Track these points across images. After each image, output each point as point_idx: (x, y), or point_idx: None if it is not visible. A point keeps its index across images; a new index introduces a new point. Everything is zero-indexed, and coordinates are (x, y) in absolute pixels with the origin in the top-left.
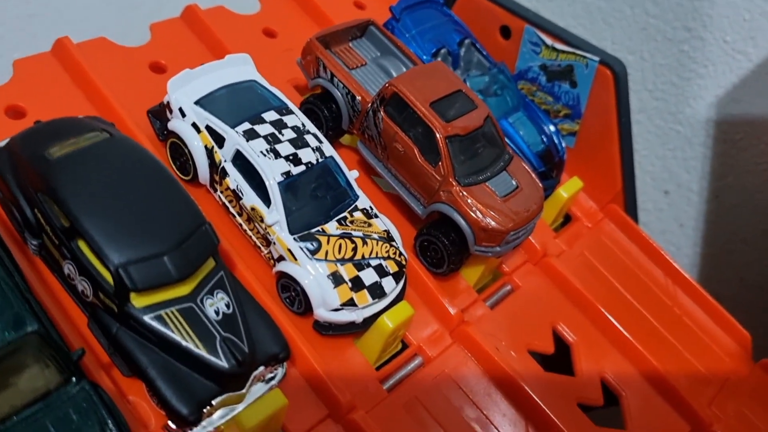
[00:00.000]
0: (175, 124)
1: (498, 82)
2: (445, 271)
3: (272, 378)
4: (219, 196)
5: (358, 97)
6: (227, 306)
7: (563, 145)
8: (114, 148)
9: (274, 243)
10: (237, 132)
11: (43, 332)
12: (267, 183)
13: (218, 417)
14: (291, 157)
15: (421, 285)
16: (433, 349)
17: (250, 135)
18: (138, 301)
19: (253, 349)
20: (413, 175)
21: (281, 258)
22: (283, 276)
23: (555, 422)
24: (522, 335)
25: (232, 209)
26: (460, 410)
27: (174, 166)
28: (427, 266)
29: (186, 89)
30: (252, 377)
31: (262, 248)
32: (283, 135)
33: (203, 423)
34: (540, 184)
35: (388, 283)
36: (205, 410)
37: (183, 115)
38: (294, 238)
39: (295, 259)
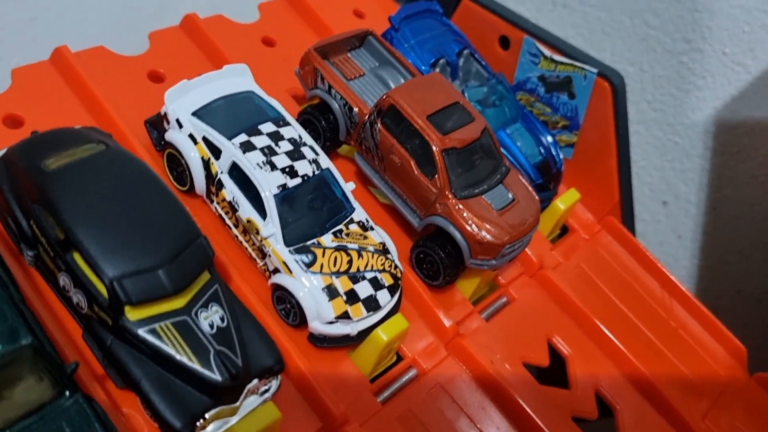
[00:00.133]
0: (172, 135)
1: (496, 93)
2: (440, 283)
3: (266, 391)
4: (215, 208)
5: (356, 109)
6: (222, 319)
7: (561, 156)
8: (110, 160)
9: (270, 255)
10: (233, 144)
11: (37, 345)
12: (263, 195)
13: (211, 430)
14: (287, 170)
15: (416, 297)
16: (427, 362)
17: (247, 147)
18: (132, 314)
19: (247, 362)
20: (410, 187)
21: (276, 270)
22: (278, 288)
23: None
24: (517, 348)
25: (228, 221)
26: (453, 423)
27: (171, 177)
28: (422, 278)
29: (183, 100)
30: (246, 390)
31: (258, 260)
32: (279, 147)
33: None
34: (537, 197)
35: (383, 296)
36: (198, 423)
37: (180, 126)
38: (289, 251)
39: (290, 272)
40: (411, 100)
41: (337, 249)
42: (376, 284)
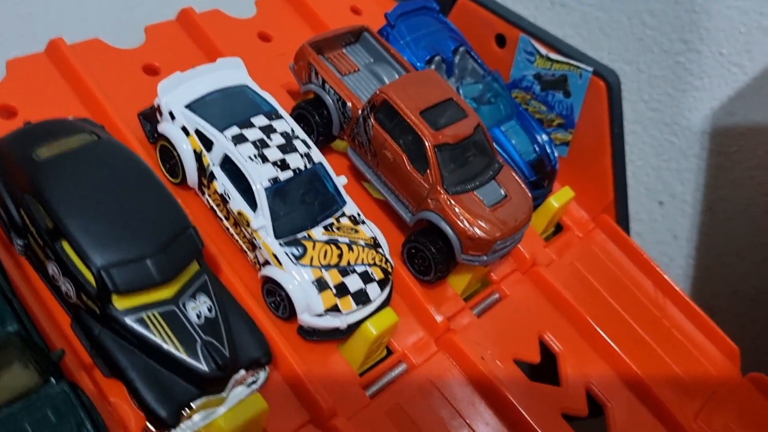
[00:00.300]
0: (165, 127)
1: (492, 91)
2: (432, 278)
3: (254, 382)
4: (207, 200)
5: (349, 104)
6: (209, 310)
7: (556, 154)
8: (101, 150)
9: (260, 247)
10: (225, 136)
11: (24, 333)
12: (254, 188)
13: (197, 420)
14: (279, 163)
15: (407, 292)
16: (418, 357)
17: (239, 139)
18: (120, 303)
19: (234, 353)
20: (402, 182)
21: (267, 262)
22: (268, 281)
23: None
24: (508, 344)
25: (219, 213)
26: (443, 418)
27: (163, 169)
28: (414, 274)
29: (176, 92)
30: (233, 381)
31: (249, 252)
32: (271, 140)
33: (182, 426)
34: (529, 194)
35: (373, 290)
36: (184, 413)
37: (173, 118)
38: (279, 243)
39: (280, 264)
40: (404, 96)
41: (328, 242)
42: (366, 278)
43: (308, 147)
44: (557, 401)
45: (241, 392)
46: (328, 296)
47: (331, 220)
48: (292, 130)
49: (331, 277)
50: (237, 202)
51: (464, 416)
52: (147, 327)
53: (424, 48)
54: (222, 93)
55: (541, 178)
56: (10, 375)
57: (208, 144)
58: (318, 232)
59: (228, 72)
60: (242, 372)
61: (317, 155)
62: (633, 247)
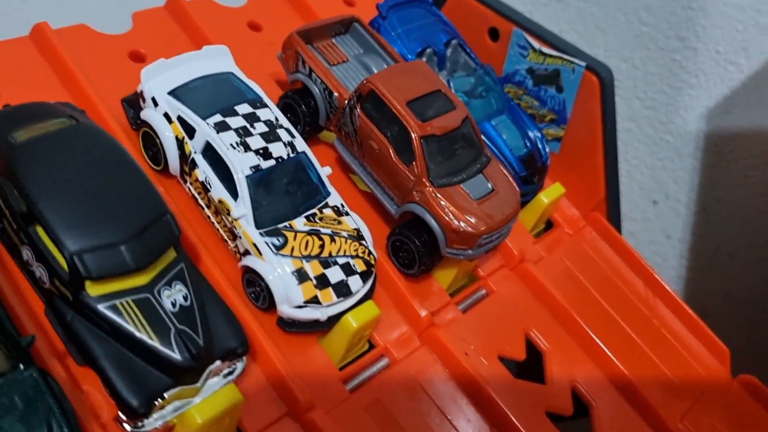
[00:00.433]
0: (148, 113)
1: (483, 84)
2: (416, 272)
3: (230, 373)
4: (189, 188)
5: (336, 94)
6: (185, 298)
7: (547, 150)
8: (80, 134)
9: (240, 237)
10: (208, 124)
11: None
12: (235, 176)
13: (170, 411)
14: (261, 151)
15: (391, 285)
16: (400, 351)
17: (221, 127)
18: (93, 289)
19: (210, 342)
20: (388, 174)
21: (247, 252)
22: (248, 271)
23: (520, 429)
24: (493, 341)
25: (200, 201)
26: (423, 414)
27: (146, 156)
28: (398, 267)
29: (160, 79)
30: (207, 371)
31: (229, 242)
32: (254, 128)
33: (154, 416)
34: (517, 188)
35: (354, 282)
36: (156, 403)
37: (155, 104)
38: (260, 233)
39: (260, 254)
40: (391, 86)
41: (310, 233)
42: (348, 270)
43: (292, 136)
44: (542, 399)
45: (217, 383)
46: (308, 287)
47: (314, 210)
48: (276, 119)
49: (312, 269)
50: (218, 191)
51: (446, 413)
52: (120, 314)
53: (415, 40)
54: (206, 80)
55: (531, 173)
56: None
57: (190, 131)
58: (300, 223)
59: (214, 60)
60: (218, 362)
61: (301, 144)
62: (624, 246)
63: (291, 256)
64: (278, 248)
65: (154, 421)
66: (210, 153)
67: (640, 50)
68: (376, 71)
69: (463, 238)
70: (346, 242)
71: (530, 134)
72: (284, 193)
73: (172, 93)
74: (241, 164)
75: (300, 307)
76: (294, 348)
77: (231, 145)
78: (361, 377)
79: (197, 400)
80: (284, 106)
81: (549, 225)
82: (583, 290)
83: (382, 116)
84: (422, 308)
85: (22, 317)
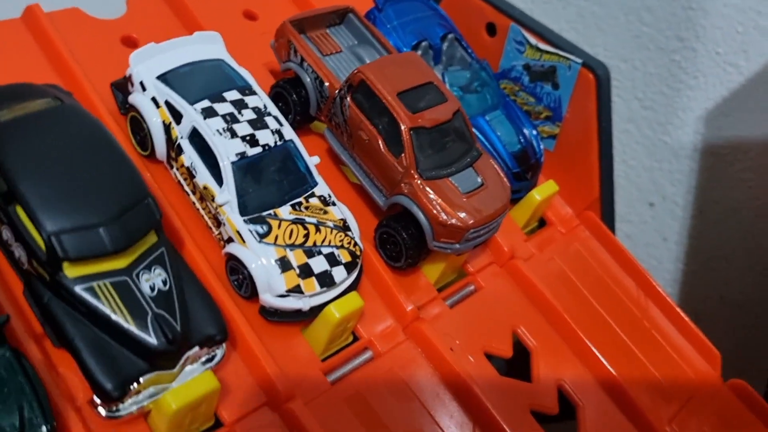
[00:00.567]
0: (136, 98)
1: (479, 79)
2: (402, 265)
3: (209, 360)
4: (175, 174)
5: (327, 83)
6: (164, 283)
7: (541, 147)
8: (63, 115)
9: (224, 224)
10: (195, 109)
11: None
12: (220, 162)
13: (146, 396)
14: (248, 138)
15: (378, 278)
16: (384, 344)
17: (208, 113)
18: (70, 270)
19: (187, 328)
20: (377, 165)
21: (230, 240)
22: (231, 258)
23: (503, 427)
24: (480, 337)
25: (186, 187)
26: (405, 409)
27: (134, 141)
28: (385, 260)
29: (149, 63)
30: (185, 357)
31: (214, 229)
32: (242, 115)
33: (129, 401)
34: (507, 183)
35: (338, 273)
36: (132, 387)
37: (144, 89)
38: (244, 220)
39: (244, 242)
40: (382, 77)
41: (294, 222)
42: (332, 260)
43: (280, 124)
44: (527, 398)
45: (195, 370)
46: (291, 276)
47: (300, 199)
48: (265, 107)
49: (296, 258)
50: (203, 176)
51: (428, 408)
52: (97, 296)
53: (411, 33)
54: (196, 66)
55: (524, 170)
56: None
57: (177, 116)
58: (285, 211)
59: (205, 46)
60: (196, 349)
61: (289, 133)
62: (617, 246)
63: (275, 244)
64: (262, 236)
65: (129, 406)
66: (196, 139)
67: (639, 50)
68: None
69: (451, 232)
70: (331, 232)
71: (525, 131)
72: (270, 180)
73: (160, 78)
74: (227, 150)
75: (282, 296)
76: (276, 338)
77: (217, 130)
78: (344, 369)
79: (174, 386)
80: (275, 95)
81: (542, 223)
82: (574, 289)
83: (373, 107)
84: (408, 302)
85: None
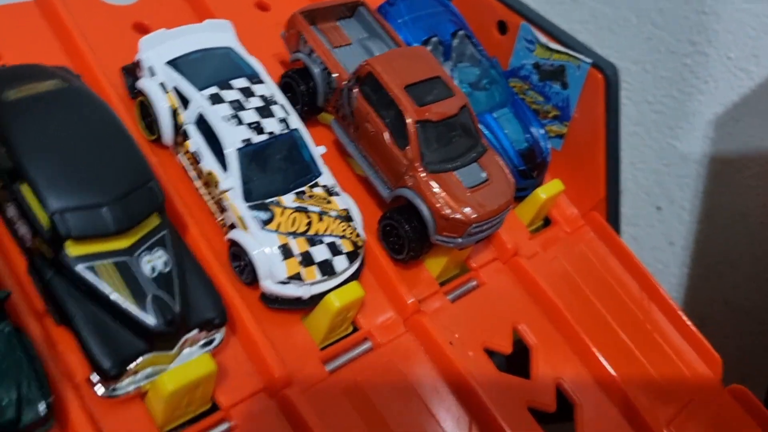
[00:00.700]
0: (144, 82)
1: (488, 77)
2: (404, 257)
3: (208, 344)
4: (180, 159)
5: (335, 74)
6: (165, 265)
7: (548, 146)
8: (71, 97)
9: (228, 210)
10: (202, 95)
11: None
12: (225, 148)
13: (143, 376)
14: (254, 125)
15: (380, 270)
16: (384, 336)
17: (215, 99)
18: (73, 249)
19: (186, 310)
20: (382, 157)
21: (233, 226)
22: (233, 244)
23: (500, 422)
24: (480, 332)
25: (191, 172)
26: (402, 401)
27: (142, 125)
28: (388, 252)
29: (159, 49)
30: (183, 339)
31: (217, 214)
32: (249, 103)
33: (127, 380)
34: (512, 180)
35: (340, 262)
36: (130, 367)
37: (152, 74)
38: (247, 206)
39: (246, 228)
40: (390, 69)
41: (297, 210)
42: (333, 249)
43: (287, 113)
44: (525, 394)
45: (193, 353)
46: (292, 264)
47: (304, 188)
48: (272, 95)
49: (298, 245)
50: (208, 162)
51: (425, 400)
52: (98, 276)
53: (421, 29)
54: (205, 53)
55: (530, 168)
56: None
57: (184, 102)
58: (288, 199)
59: (215, 33)
60: (194, 331)
61: (295, 122)
62: (621, 247)
63: (277, 231)
64: (265, 223)
65: (127, 385)
66: (203, 125)
67: (651, 53)
68: None
69: (453, 226)
70: (334, 222)
71: (532, 129)
72: (274, 168)
73: (170, 63)
74: (232, 137)
75: (283, 283)
76: (276, 325)
77: (223, 117)
78: (342, 359)
79: (171, 367)
80: (284, 85)
81: (547, 222)
82: (576, 289)
83: (380, 99)
84: (410, 295)
85: (2, 273)
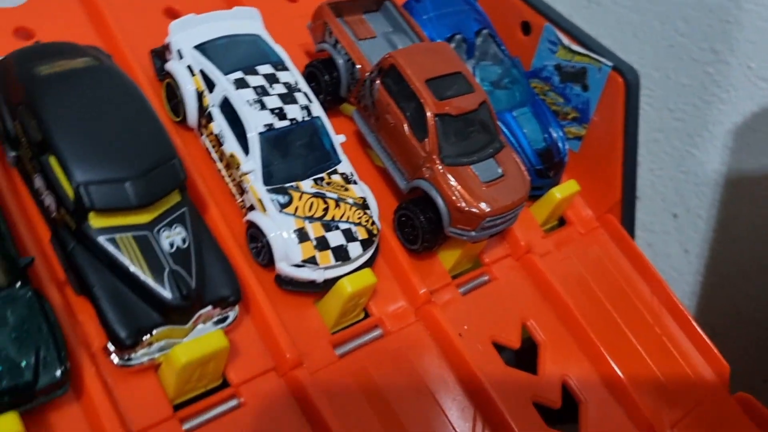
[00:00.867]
0: (172, 65)
1: (510, 76)
2: (418, 248)
3: (221, 321)
4: (204, 141)
5: (358, 66)
6: (183, 241)
7: (566, 147)
8: (101, 74)
9: (247, 192)
10: (228, 79)
11: None
12: (248, 132)
13: (156, 349)
14: (276, 111)
15: (394, 259)
16: (394, 324)
17: (240, 84)
18: (96, 221)
19: (202, 286)
20: (400, 148)
21: (252, 207)
22: (251, 226)
23: (504, 415)
24: (489, 326)
25: (213, 154)
26: (409, 388)
27: (168, 107)
28: (402, 242)
29: (188, 33)
30: (197, 315)
31: (237, 196)
32: (273, 89)
33: (141, 351)
34: (528, 177)
35: (354, 249)
36: (144, 339)
37: (181, 57)
38: (267, 189)
39: (265, 210)
40: (412, 63)
41: (315, 195)
42: (348, 236)
43: (309, 101)
44: (530, 389)
45: (206, 329)
46: (307, 247)
47: (323, 174)
48: (296, 83)
49: (314, 230)
50: (230, 145)
51: (431, 389)
52: (118, 248)
53: (446, 26)
54: (233, 39)
55: (547, 167)
56: None
57: (210, 85)
58: (307, 185)
59: (243, 21)
60: (209, 308)
61: (317, 110)
62: (635, 251)
63: (294, 215)
64: (283, 206)
65: (141, 356)
66: (227, 108)
67: (673, 60)
68: None
69: (467, 218)
70: (350, 209)
71: (551, 130)
72: (295, 154)
73: (198, 47)
74: (255, 121)
75: (298, 265)
76: (289, 307)
77: (248, 101)
78: (353, 344)
79: (184, 341)
80: (308, 75)
81: (562, 222)
82: (587, 289)
83: (401, 91)
84: (422, 285)
85: (27, 242)
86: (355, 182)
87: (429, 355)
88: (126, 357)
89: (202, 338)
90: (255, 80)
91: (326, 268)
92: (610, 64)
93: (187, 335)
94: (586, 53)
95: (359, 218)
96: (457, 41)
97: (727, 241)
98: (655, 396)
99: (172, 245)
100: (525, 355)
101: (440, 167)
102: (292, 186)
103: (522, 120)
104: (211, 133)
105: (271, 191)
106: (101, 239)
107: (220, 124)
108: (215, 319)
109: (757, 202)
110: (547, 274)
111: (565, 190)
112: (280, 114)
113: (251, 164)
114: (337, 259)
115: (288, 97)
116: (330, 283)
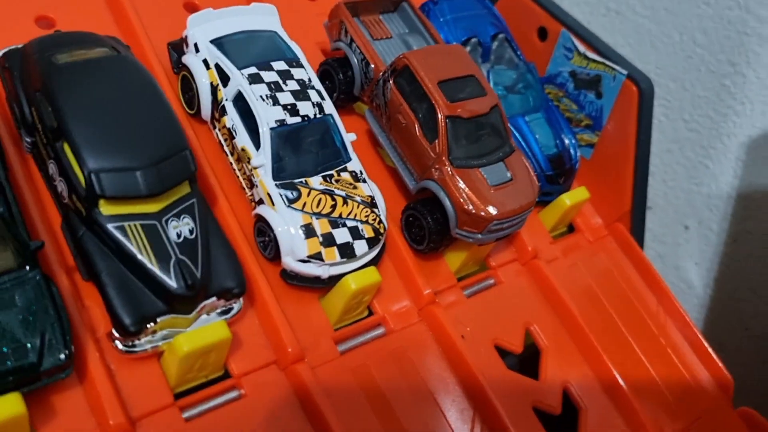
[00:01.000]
0: (188, 58)
1: (524, 81)
2: (425, 248)
3: (225, 312)
4: (217, 134)
5: (372, 65)
6: (191, 232)
7: (578, 154)
8: (118, 64)
9: (257, 186)
10: (242, 74)
11: (6, 216)
12: (260, 127)
13: (160, 337)
14: (289, 107)
15: (400, 259)
16: (397, 323)
17: (254, 79)
18: (106, 208)
19: (207, 277)
20: (411, 148)
21: (261, 201)
22: (259, 219)
23: (503, 418)
24: (492, 329)
25: (225, 147)
26: (409, 387)
27: (182, 99)
28: (409, 242)
29: (205, 27)
30: (202, 305)
31: (247, 190)
32: (286, 85)
33: (144, 338)
34: (536, 182)
35: (360, 246)
36: (148, 326)
37: (197, 50)
38: (276, 184)
39: (273, 204)
40: (426, 64)
41: (324, 192)
42: (355, 233)
43: (322, 98)
44: (531, 394)
45: (210, 320)
46: (313, 243)
47: (332, 172)
48: (309, 80)
49: (320, 226)
50: (242, 139)
51: (431, 389)
52: (126, 235)
53: (462, 29)
54: (249, 34)
55: (558, 173)
56: None
57: (225, 79)
58: (316, 181)
59: (260, 17)
60: (213, 299)
61: (329, 107)
62: (643, 260)
63: (302, 210)
64: (291, 201)
65: (144, 343)
66: (240, 102)
67: (690, 71)
68: None
69: (474, 221)
70: (358, 207)
71: (563, 136)
72: (305, 150)
73: (214, 42)
74: (268, 116)
75: (303, 261)
76: (293, 302)
77: (261, 96)
78: (355, 341)
79: (188, 331)
80: (323, 73)
81: (570, 229)
82: (593, 297)
83: (413, 92)
84: (427, 286)
85: (38, 226)
86: (364, 180)
87: (430, 356)
88: (130, 344)
89: (205, 328)
90: (269, 76)
91: (331, 265)
92: (624, 72)
93: (190, 325)
94: (601, 61)
95: (366, 216)
96: (473, 45)
97: (738, 255)
98: (656, 406)
99: (179, 235)
100: (529, 362)
101: (449, 169)
102: (301, 182)
103: (534, 125)
104: (224, 127)
105: (280, 186)
106: (110, 226)
107: (232, 118)
108: (219, 310)
109: None
110: (553, 280)
111: (574, 196)
112: (293, 110)
113: (262, 158)
114: (342, 256)
115: (301, 94)
116: (335, 279)
